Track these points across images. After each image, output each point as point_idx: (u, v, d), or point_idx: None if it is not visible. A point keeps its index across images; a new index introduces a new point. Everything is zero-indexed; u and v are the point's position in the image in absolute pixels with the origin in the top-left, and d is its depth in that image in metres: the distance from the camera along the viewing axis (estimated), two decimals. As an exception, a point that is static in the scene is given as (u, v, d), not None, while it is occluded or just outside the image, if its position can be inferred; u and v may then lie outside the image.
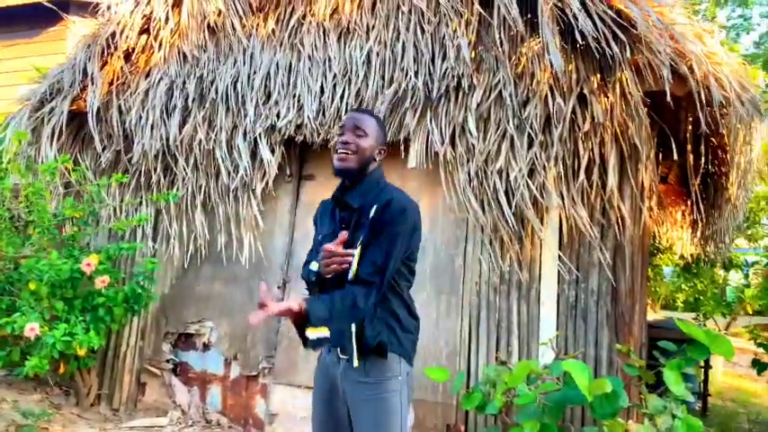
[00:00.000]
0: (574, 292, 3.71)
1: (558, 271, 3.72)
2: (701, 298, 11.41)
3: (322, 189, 4.47)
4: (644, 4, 3.28)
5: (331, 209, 2.18)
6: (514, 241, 3.75)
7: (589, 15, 3.30)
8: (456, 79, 3.77)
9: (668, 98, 3.24)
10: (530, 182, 3.61)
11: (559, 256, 3.71)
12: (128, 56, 4.88)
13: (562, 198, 3.61)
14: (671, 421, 3.02)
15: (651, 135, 3.58)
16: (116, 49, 4.79)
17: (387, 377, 2.00)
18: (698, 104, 3.30)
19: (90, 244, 4.82)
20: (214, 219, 4.60)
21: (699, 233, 6.04)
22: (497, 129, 3.69)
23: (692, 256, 7.88)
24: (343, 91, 4.09)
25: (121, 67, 4.87)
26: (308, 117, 4.14)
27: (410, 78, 3.92)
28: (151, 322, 4.79)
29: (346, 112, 4.04)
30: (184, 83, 4.60)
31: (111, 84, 4.89)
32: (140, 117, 4.68)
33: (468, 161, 3.76)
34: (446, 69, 3.80)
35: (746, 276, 12.08)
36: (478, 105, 3.71)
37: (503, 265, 3.81)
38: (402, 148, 3.98)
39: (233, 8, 4.59)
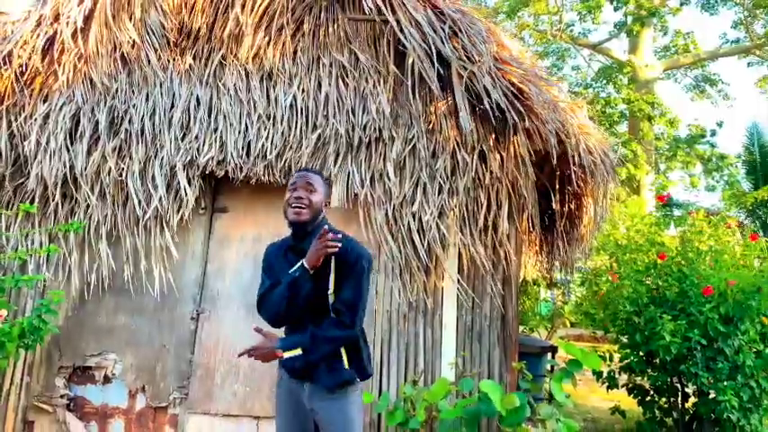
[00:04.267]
0: (470, 317, 4.33)
1: (458, 297, 4.32)
2: (529, 313, 13.01)
3: (235, 222, 4.65)
4: (537, 82, 4.02)
5: (284, 254, 2.54)
6: (422, 273, 4.28)
7: (494, 88, 3.96)
8: (377, 131, 4.23)
9: (554, 161, 4.00)
10: (439, 222, 4.17)
11: (459, 286, 4.31)
12: (23, 75, 4.63)
13: (464, 237, 4.23)
14: (555, 424, 3.72)
15: (535, 187, 4.34)
16: (10, 64, 4.53)
17: (349, 392, 2.49)
18: (571, 164, 4.12)
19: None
20: (120, 249, 4.54)
21: (545, 260, 7.10)
22: (411, 176, 4.22)
23: (524, 278, 9.11)
24: (268, 132, 4.34)
25: (13, 86, 4.60)
26: (232, 154, 4.32)
27: (333, 125, 4.30)
28: (41, 357, 4.54)
29: (271, 152, 4.31)
30: (93, 110, 4.51)
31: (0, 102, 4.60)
32: (38, 142, 4.47)
33: (385, 203, 4.23)
34: (368, 121, 4.25)
35: (564, 294, 13.97)
36: (397, 155, 4.21)
37: (411, 294, 4.32)
38: (324, 188, 4.33)
39: (148, 41, 4.61)
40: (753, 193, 14.91)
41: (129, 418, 4.47)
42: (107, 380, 4.53)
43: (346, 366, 2.47)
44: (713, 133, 17.57)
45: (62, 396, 4.49)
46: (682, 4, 16.92)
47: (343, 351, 2.48)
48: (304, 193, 2.42)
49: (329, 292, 2.42)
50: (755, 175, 16.55)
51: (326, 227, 2.35)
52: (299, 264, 2.36)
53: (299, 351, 2.37)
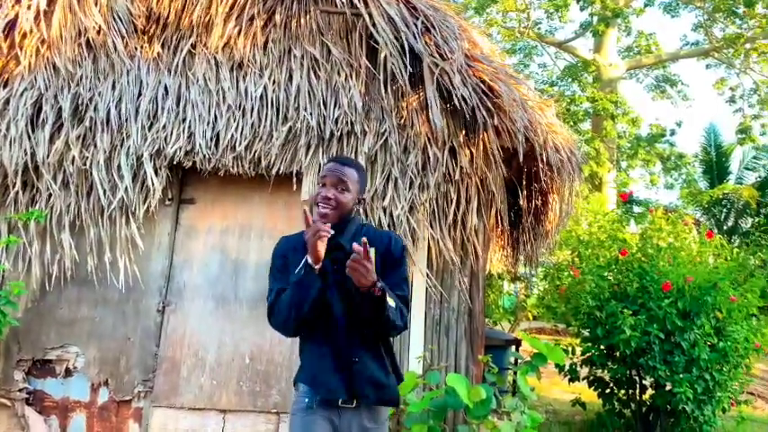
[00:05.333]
0: (438, 311, 4.39)
1: (426, 291, 4.37)
2: (493, 306, 13.21)
3: (202, 213, 4.60)
4: (507, 80, 4.08)
5: (302, 248, 2.07)
6: (391, 268, 4.31)
7: (465, 86, 4.00)
8: (349, 125, 4.23)
9: (521, 158, 4.07)
10: (410, 217, 4.21)
11: (427, 280, 4.36)
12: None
13: (434, 232, 4.27)
14: (520, 417, 3.81)
15: (503, 183, 4.41)
16: (-33, 50, 4.38)
17: (383, 421, 2.21)
18: (539, 162, 4.20)
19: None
20: (83, 239, 4.44)
21: (510, 254, 7.22)
22: (383, 171, 4.24)
23: (489, 272, 9.26)
24: (238, 123, 4.29)
25: (-29, 71, 4.45)
26: (200, 145, 4.26)
27: (304, 118, 4.28)
28: (1, 350, 4.43)
29: (241, 143, 4.26)
30: (56, 97, 4.38)
31: (-44, 87, 4.44)
32: (-2, 128, 4.33)
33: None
34: (339, 115, 4.25)
35: (527, 287, 14.23)
36: (368, 149, 4.22)
37: (380, 288, 4.34)
38: (294, 180, 4.31)
39: (114, 27, 4.50)
40: (708, 192, 15.45)
41: (91, 411, 4.39)
42: (68, 373, 4.43)
43: (389, 376, 2.17)
44: (673, 133, 18.10)
45: (21, 390, 4.38)
46: (645, 6, 17.30)
47: (384, 354, 2.18)
48: (333, 193, 2.11)
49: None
50: (711, 174, 17.14)
51: (361, 232, 2.14)
52: (302, 261, 2.04)
53: (391, 302, 1.98)
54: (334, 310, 2.10)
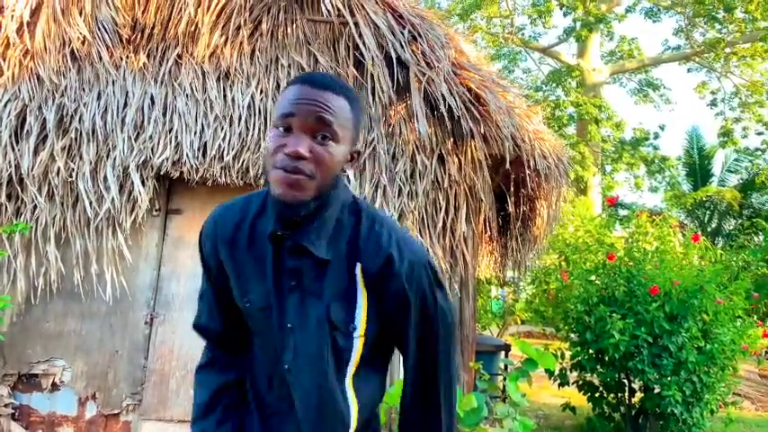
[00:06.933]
0: (428, 319, 4.38)
1: (416, 301, 4.36)
2: (481, 311, 13.25)
3: (190, 224, 4.56)
4: (494, 88, 4.10)
5: (250, 243, 1.29)
6: (381, 276, 4.31)
7: (452, 94, 4.02)
8: (337, 133, 4.23)
9: (508, 165, 4.09)
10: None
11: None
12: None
13: (423, 239, 4.28)
14: (512, 423, 3.81)
15: (491, 190, 4.43)
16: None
17: None
18: (526, 168, 4.23)
19: None
20: (69, 251, 4.39)
21: (498, 260, 7.25)
22: (371, 179, 4.24)
23: (477, 277, 9.30)
24: (225, 133, 4.28)
25: (-47, 82, 4.39)
26: (187, 155, 4.24)
27: (292, 127, 4.27)
28: (-16, 364, 4.36)
29: (228, 153, 4.24)
30: (40, 108, 4.34)
31: (-62, 99, 4.38)
32: (-19, 140, 4.28)
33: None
34: (328, 123, 4.24)
35: (514, 292, 14.29)
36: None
37: (370, 297, 4.33)
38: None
39: (99, 37, 4.47)
40: (692, 194, 15.62)
41: (78, 426, 4.33)
42: (55, 387, 4.37)
43: None
44: (656, 136, 18.31)
45: (6, 405, 4.31)
46: (627, 11, 17.52)
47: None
48: (307, 145, 1.13)
49: (355, 334, 1.24)
50: (695, 176, 17.34)
51: (347, 228, 1.25)
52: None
53: None
54: (284, 357, 1.26)
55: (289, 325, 1.24)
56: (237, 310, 1.34)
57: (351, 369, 1.26)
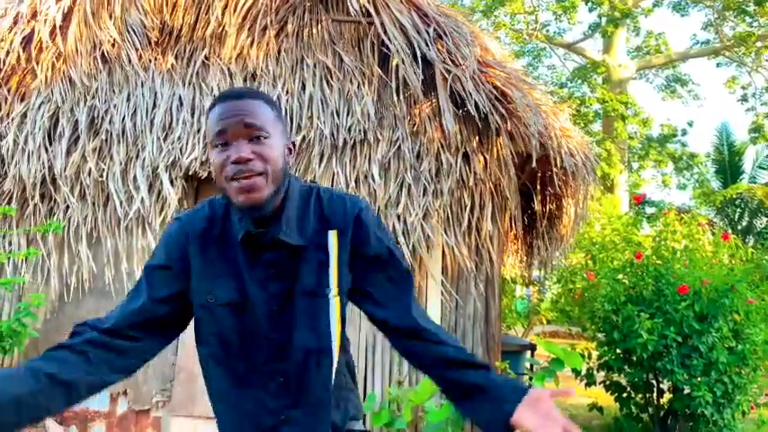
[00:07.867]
0: (454, 317, 4.38)
1: (442, 298, 4.37)
2: (506, 311, 13.17)
3: (218, 222, 4.62)
4: (520, 86, 4.08)
5: (221, 250, 1.36)
6: (406, 275, 4.31)
7: (478, 92, 4.01)
8: (362, 133, 4.25)
9: (534, 163, 4.07)
10: (424, 224, 4.21)
11: (442, 287, 4.36)
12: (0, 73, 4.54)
13: (448, 238, 4.27)
14: (538, 422, 3.79)
15: (517, 188, 4.41)
16: (-15, 65, 4.44)
17: None
18: (553, 166, 4.19)
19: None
20: (100, 250, 4.48)
21: (524, 259, 7.21)
22: (396, 177, 4.25)
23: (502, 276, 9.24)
24: (252, 133, 4.31)
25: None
26: (215, 155, 4.29)
27: (317, 127, 4.30)
28: (19, 361, 4.47)
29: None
30: (72, 110, 4.44)
31: (-26, 102, 4.51)
32: (15, 142, 4.39)
33: (370, 204, 4.25)
34: (352, 123, 4.26)
35: (539, 291, 14.17)
36: (381, 157, 4.23)
37: (395, 295, 4.35)
38: (308, 189, 4.33)
39: (129, 39, 4.55)
40: (721, 192, 15.31)
41: (110, 421, 4.43)
42: (88, 383, 4.47)
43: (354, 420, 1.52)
44: (684, 133, 17.99)
45: (41, 400, 4.42)
46: (654, 6, 17.23)
47: (345, 398, 1.50)
48: (247, 149, 1.23)
49: (330, 294, 1.35)
50: (724, 174, 16.99)
51: (310, 207, 1.37)
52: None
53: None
54: (256, 358, 1.38)
55: (275, 308, 1.34)
56: (161, 323, 1.39)
57: (335, 329, 1.36)
